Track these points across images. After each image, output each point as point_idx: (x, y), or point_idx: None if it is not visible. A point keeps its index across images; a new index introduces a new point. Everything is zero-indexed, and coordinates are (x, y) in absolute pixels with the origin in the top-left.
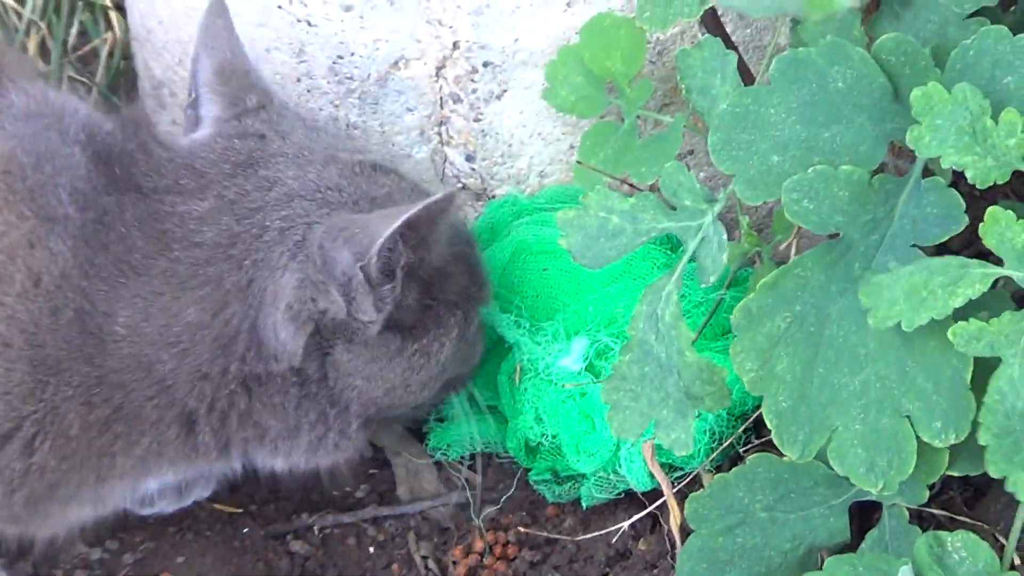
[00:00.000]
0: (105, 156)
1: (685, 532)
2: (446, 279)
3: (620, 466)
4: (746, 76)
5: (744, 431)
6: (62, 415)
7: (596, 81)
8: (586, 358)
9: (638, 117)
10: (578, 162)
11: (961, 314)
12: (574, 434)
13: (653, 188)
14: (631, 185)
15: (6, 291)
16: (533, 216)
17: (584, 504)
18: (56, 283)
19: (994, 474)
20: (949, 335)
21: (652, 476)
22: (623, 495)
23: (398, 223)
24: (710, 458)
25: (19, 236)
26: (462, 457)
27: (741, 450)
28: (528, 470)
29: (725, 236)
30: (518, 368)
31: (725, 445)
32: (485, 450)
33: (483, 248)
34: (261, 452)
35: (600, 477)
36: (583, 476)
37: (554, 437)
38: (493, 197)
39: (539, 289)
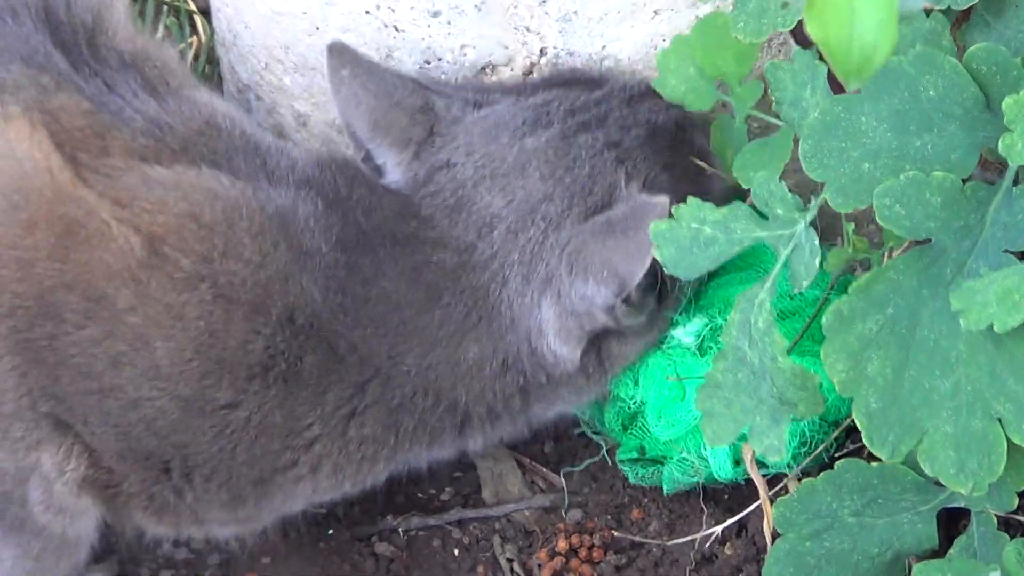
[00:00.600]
0: (334, 199)
1: (774, 536)
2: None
3: (704, 449)
4: (836, 88)
5: (835, 438)
6: (342, 434)
7: (707, 77)
8: (700, 335)
9: (749, 117)
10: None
11: None
12: (662, 398)
13: None
14: None
15: (265, 322)
16: None
17: (666, 489)
18: (309, 321)
19: None
20: None
21: (735, 467)
22: (707, 498)
23: (648, 261)
24: (800, 465)
25: (276, 269)
26: (547, 461)
27: (835, 454)
28: (616, 468)
29: (817, 243)
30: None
31: (818, 452)
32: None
33: None
34: (521, 429)
35: (682, 460)
36: (666, 460)
37: (641, 403)
38: None
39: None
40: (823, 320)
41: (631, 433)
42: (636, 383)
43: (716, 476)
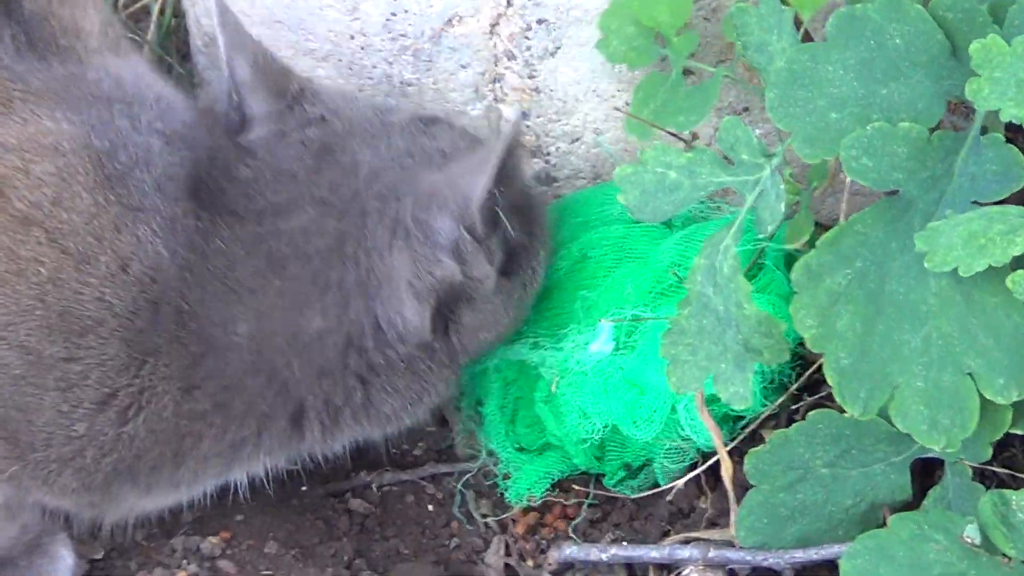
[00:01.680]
0: (191, 159)
1: (741, 487)
2: (521, 210)
3: (683, 428)
4: (802, 34)
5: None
6: (159, 395)
7: (647, 32)
8: (616, 338)
9: (690, 71)
10: (621, 110)
11: (1020, 263)
12: (625, 407)
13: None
14: (685, 140)
15: (92, 273)
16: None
17: (662, 482)
18: (149, 275)
19: None
20: (1008, 283)
21: (709, 436)
22: (695, 467)
23: (490, 174)
24: (770, 408)
25: (106, 220)
26: None
27: (798, 395)
28: (596, 477)
29: (783, 188)
30: (554, 380)
31: (785, 397)
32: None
33: None
34: (369, 431)
35: (670, 449)
36: (650, 460)
37: (605, 427)
38: (548, 154)
39: (547, 310)
40: (792, 274)
41: (607, 460)
42: (585, 415)
43: (703, 448)
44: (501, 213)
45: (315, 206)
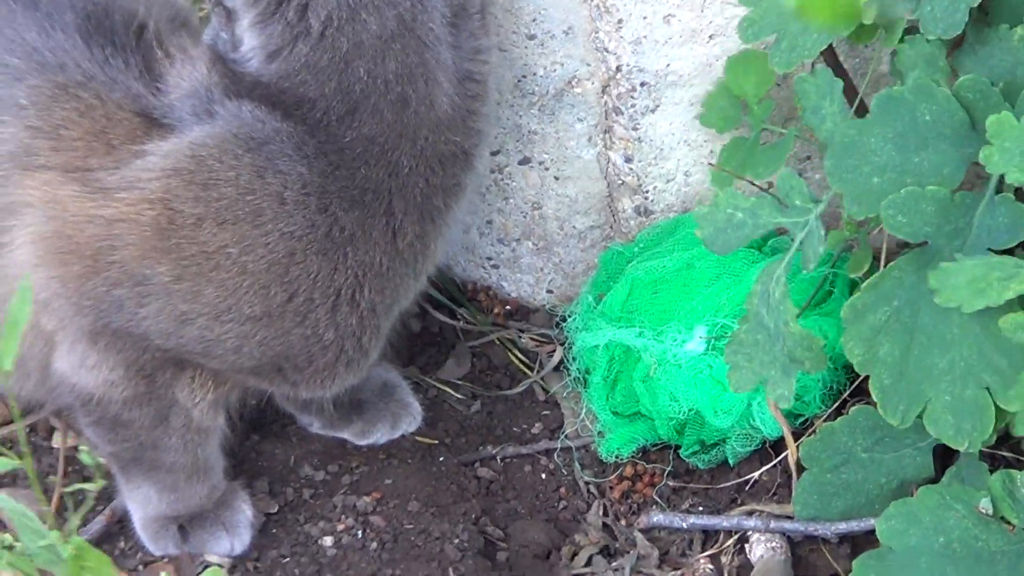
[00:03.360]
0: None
1: (799, 469)
2: None
3: (755, 420)
4: (851, 97)
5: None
6: (358, 277)
7: (735, 103)
8: (707, 340)
9: (764, 130)
10: (711, 165)
11: (1015, 306)
12: (710, 399)
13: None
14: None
15: (274, 221)
16: (637, 259)
17: (731, 462)
18: (303, 194)
19: None
20: (1000, 323)
21: (775, 425)
22: (762, 450)
23: None
24: (825, 413)
25: (270, 191)
26: None
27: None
28: (676, 449)
29: (824, 232)
30: (653, 366)
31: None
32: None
33: (607, 290)
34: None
35: (740, 435)
36: (725, 440)
37: (690, 411)
38: (646, 192)
39: (654, 305)
40: (842, 313)
41: (686, 435)
42: (675, 399)
43: (768, 436)
44: None
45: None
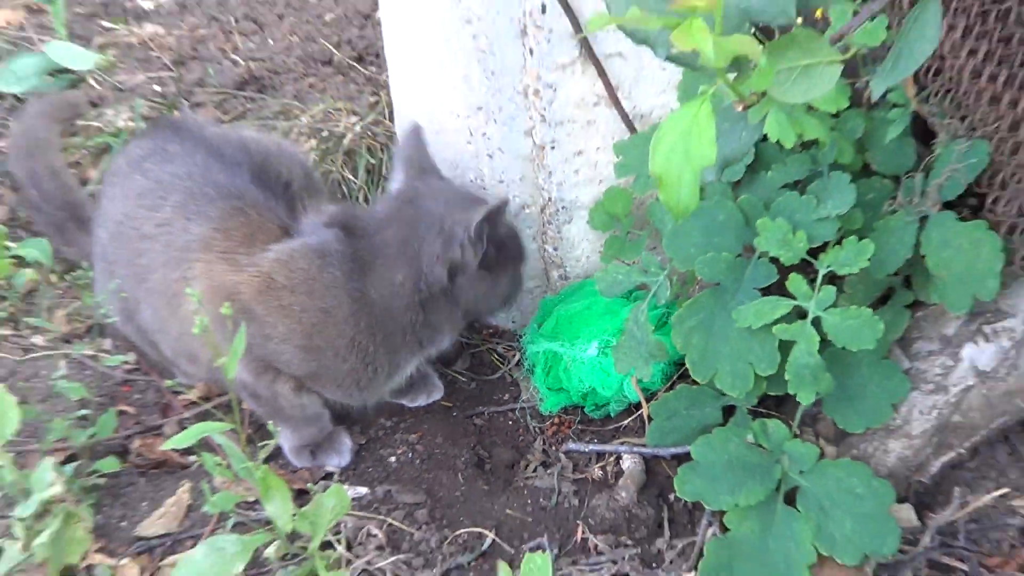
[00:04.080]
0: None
1: (649, 419)
2: (504, 247)
3: (625, 392)
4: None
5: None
6: (365, 334)
7: (610, 216)
8: (599, 349)
9: (629, 232)
10: (600, 252)
11: (780, 319)
12: (600, 380)
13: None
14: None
15: (335, 310)
16: (560, 303)
17: (612, 415)
18: (345, 288)
19: (790, 391)
20: (773, 331)
21: (636, 395)
22: (629, 408)
23: (483, 214)
24: (663, 387)
25: (330, 284)
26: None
27: (676, 380)
28: (582, 408)
29: (667, 287)
30: (569, 362)
31: (672, 381)
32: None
33: (543, 321)
34: (436, 341)
35: (617, 400)
36: (608, 403)
37: (589, 387)
38: (566, 267)
39: (570, 329)
40: (672, 320)
41: (587, 401)
42: (581, 380)
43: (632, 401)
44: (484, 237)
45: (398, 226)
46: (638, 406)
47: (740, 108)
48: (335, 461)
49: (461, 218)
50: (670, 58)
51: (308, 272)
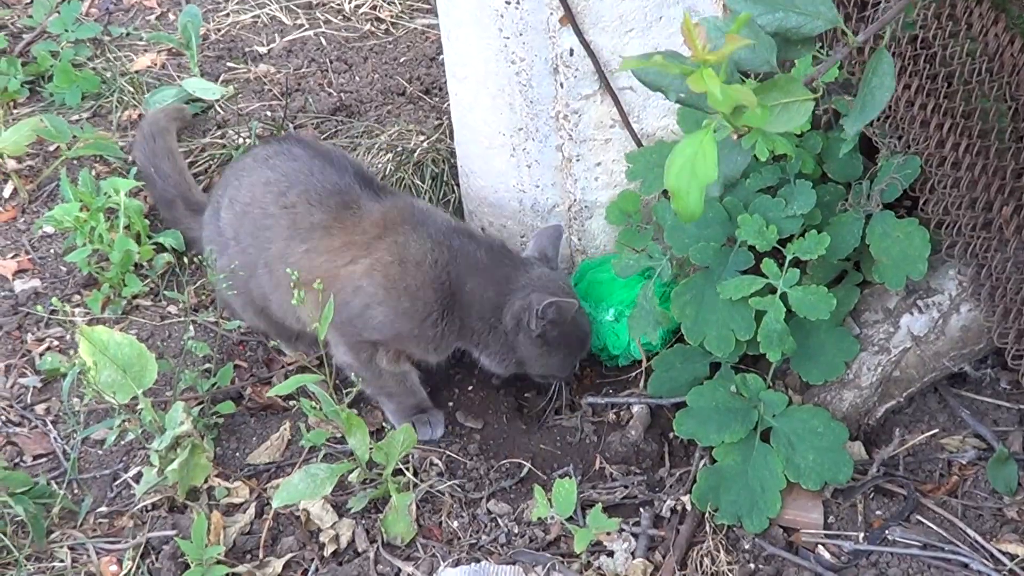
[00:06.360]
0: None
1: (651, 372)
2: (566, 335)
3: (631, 352)
4: None
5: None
6: (449, 311)
7: (623, 213)
8: (615, 315)
9: (638, 225)
10: (616, 241)
11: (755, 294)
12: (612, 340)
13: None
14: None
15: (419, 267)
16: (591, 271)
17: (620, 365)
18: (435, 268)
19: (761, 350)
20: (750, 303)
21: (640, 353)
22: (634, 364)
23: (554, 299)
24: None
25: (439, 272)
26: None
27: (673, 342)
28: (600, 361)
29: (669, 268)
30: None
31: (672, 343)
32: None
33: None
34: (486, 357)
35: (624, 355)
36: (618, 357)
37: (604, 345)
38: (587, 256)
39: (596, 296)
40: (672, 294)
41: (603, 356)
42: (598, 338)
43: (637, 358)
44: (548, 317)
45: (510, 266)
46: (641, 363)
47: (735, 137)
48: (427, 434)
49: (542, 295)
50: (679, 100)
51: (407, 256)
